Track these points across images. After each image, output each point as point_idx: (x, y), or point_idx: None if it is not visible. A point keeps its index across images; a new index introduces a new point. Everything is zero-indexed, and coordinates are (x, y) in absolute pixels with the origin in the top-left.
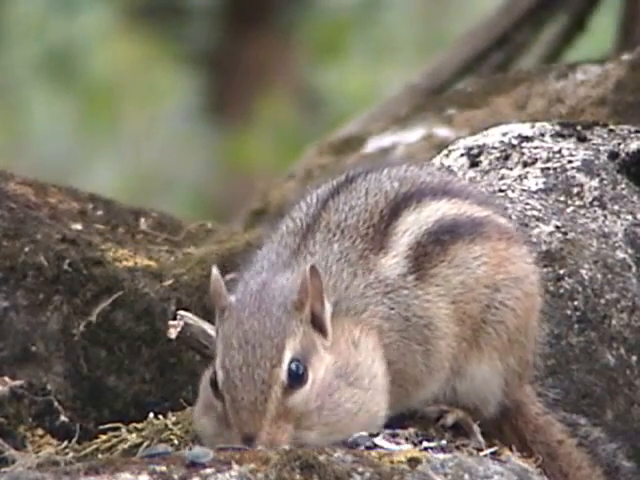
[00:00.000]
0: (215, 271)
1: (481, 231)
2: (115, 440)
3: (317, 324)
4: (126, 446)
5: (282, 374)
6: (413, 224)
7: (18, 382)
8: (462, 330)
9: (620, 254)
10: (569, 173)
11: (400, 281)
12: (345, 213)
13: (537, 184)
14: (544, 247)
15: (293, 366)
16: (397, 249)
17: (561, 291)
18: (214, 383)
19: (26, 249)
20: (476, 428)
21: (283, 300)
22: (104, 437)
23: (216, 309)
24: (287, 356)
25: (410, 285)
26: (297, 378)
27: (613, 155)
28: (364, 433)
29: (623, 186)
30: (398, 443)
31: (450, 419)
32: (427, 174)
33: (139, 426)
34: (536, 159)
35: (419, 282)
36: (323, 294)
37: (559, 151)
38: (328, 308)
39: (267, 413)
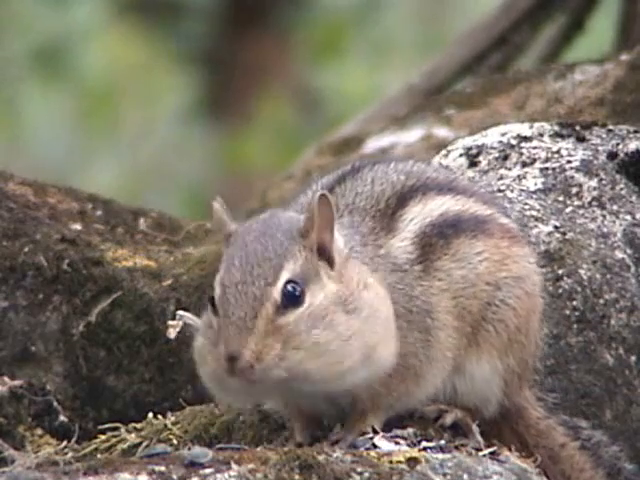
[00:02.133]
0: (217, 202)
1: (484, 228)
2: (114, 440)
3: (324, 253)
4: (125, 446)
5: (275, 292)
6: (418, 214)
7: (17, 382)
8: (461, 325)
9: (619, 254)
10: (568, 173)
11: (407, 266)
12: (352, 198)
13: (536, 184)
14: (543, 247)
15: (290, 287)
16: (405, 234)
17: (560, 291)
18: (212, 299)
19: (25, 249)
20: (475, 428)
21: (289, 227)
22: (103, 437)
23: (222, 237)
24: (284, 276)
25: (416, 274)
26: (292, 299)
27: (612, 155)
28: (363, 436)
29: (622, 186)
30: (397, 443)
31: (449, 419)
32: (433, 170)
33: (138, 426)
34: (535, 159)
35: (424, 273)
36: (333, 223)
37: (558, 151)
38: (338, 239)
39: (254, 329)
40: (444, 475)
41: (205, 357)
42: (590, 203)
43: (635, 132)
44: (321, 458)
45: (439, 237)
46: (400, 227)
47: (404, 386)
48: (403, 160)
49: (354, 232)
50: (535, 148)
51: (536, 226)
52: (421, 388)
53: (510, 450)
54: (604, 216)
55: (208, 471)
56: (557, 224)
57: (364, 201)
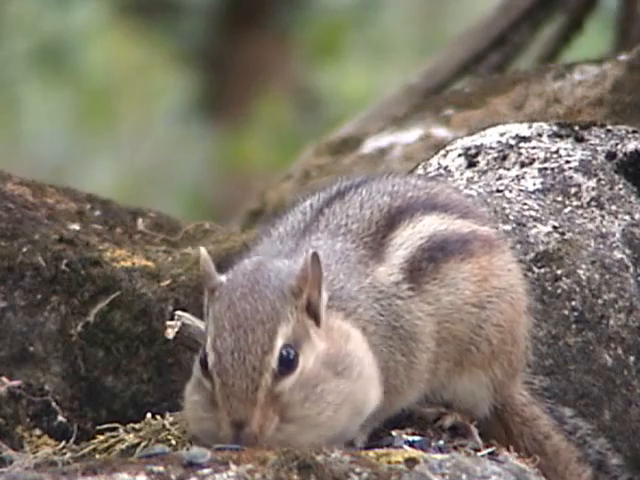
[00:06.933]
0: (204, 251)
1: (469, 248)
2: (113, 440)
3: (311, 311)
4: (124, 446)
5: (273, 361)
6: (408, 239)
7: (16, 382)
8: (443, 349)
9: (618, 254)
10: (567, 173)
11: (394, 289)
12: (344, 219)
13: (535, 184)
14: (541, 247)
15: (284, 352)
16: (394, 261)
17: (559, 291)
18: (204, 363)
19: (24, 249)
20: (474, 429)
21: (279, 284)
22: (102, 437)
23: (205, 290)
24: (279, 343)
25: (404, 296)
26: (287, 364)
27: (611, 155)
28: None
29: (620, 186)
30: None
31: (448, 421)
32: (413, 188)
33: (137, 426)
34: (534, 159)
35: (413, 296)
36: (322, 282)
37: (556, 151)
38: (324, 297)
39: (257, 401)
40: (442, 475)
41: (200, 417)
42: (589, 203)
43: (634, 132)
44: (319, 458)
45: (429, 261)
46: (390, 252)
47: (386, 401)
48: (379, 178)
49: (341, 265)
50: (534, 148)
51: (535, 226)
52: (401, 402)
53: (509, 450)
54: (603, 216)
55: (207, 471)
56: (556, 224)
57: (356, 223)
